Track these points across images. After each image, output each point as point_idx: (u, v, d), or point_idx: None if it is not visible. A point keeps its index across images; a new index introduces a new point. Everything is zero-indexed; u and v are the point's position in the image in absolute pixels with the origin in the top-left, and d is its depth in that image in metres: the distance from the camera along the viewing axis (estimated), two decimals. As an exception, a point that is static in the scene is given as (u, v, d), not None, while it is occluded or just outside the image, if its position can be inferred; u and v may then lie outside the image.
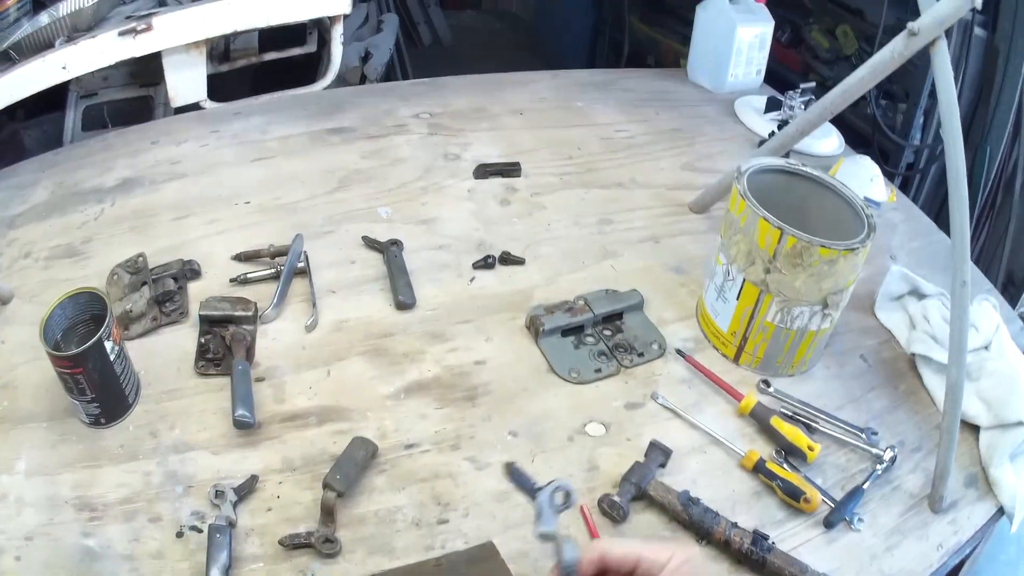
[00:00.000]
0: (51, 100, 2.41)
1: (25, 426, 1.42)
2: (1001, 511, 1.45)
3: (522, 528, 1.31)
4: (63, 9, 2.14)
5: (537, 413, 1.52)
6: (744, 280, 1.51)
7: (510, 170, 2.11)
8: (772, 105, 2.43)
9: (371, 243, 1.84)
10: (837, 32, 3.17)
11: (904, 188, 2.84)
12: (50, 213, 1.90)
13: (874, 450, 1.47)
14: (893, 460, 1.45)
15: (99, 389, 1.38)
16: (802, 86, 2.32)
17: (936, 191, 3.01)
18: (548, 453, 1.45)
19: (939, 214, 2.13)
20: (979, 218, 2.86)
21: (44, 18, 2.16)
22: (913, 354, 1.66)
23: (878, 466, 1.45)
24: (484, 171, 2.11)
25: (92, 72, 2.24)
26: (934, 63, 1.42)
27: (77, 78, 2.26)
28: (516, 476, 1.21)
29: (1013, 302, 2.13)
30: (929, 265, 1.88)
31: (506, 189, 2.07)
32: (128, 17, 2.21)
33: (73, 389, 1.37)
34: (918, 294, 1.76)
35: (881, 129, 2.93)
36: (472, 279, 1.80)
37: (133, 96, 2.60)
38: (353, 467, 1.33)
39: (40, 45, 2.17)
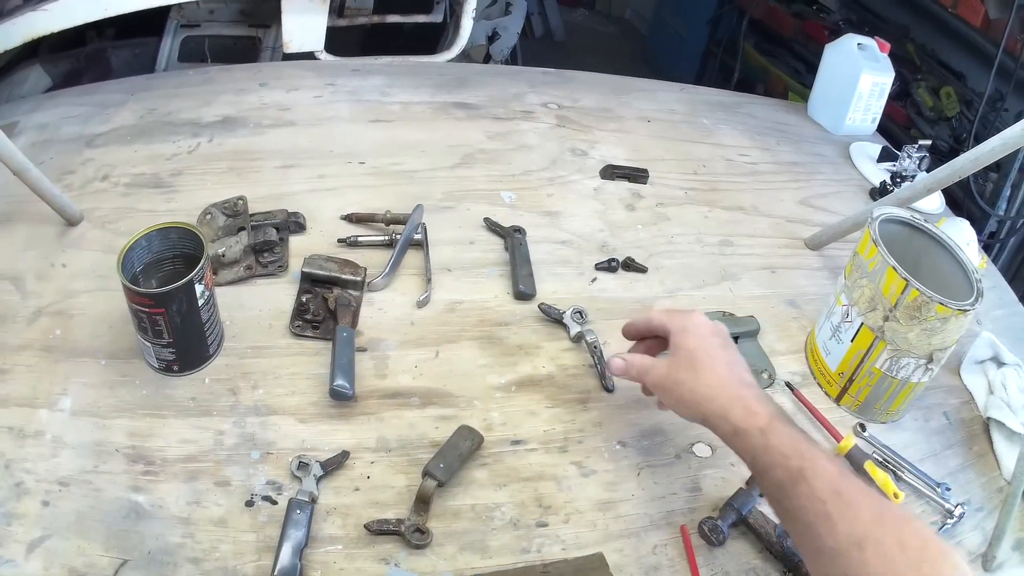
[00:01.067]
0: (146, 24, 2.34)
1: (79, 360, 1.35)
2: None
3: (622, 540, 1.26)
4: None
5: (647, 427, 1.44)
6: (862, 324, 1.50)
7: (638, 175, 2.02)
8: (886, 155, 2.39)
9: (493, 226, 1.75)
10: (941, 92, 3.20)
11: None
12: (136, 138, 1.83)
13: (947, 505, 1.45)
14: (961, 516, 1.44)
15: (179, 334, 1.28)
16: (920, 143, 2.25)
17: (1011, 262, 3.08)
18: (654, 468, 1.38)
19: (1011, 282, 2.11)
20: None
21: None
22: (988, 418, 1.63)
23: (948, 521, 1.44)
24: (612, 172, 2.01)
25: (199, 2, 2.13)
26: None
27: (179, 5, 2.18)
28: (545, 309, 1.57)
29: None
30: (1009, 336, 1.82)
31: (632, 194, 1.98)
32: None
33: (148, 330, 1.26)
34: (998, 361, 1.74)
35: (972, 195, 2.95)
36: (594, 279, 1.71)
37: (239, 35, 2.54)
38: (457, 457, 1.27)
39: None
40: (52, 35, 2.05)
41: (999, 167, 2.93)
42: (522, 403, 1.43)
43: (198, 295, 1.26)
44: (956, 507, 1.44)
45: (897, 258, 1.44)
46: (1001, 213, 2.96)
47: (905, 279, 1.40)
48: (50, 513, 1.13)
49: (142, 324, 1.26)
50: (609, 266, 1.73)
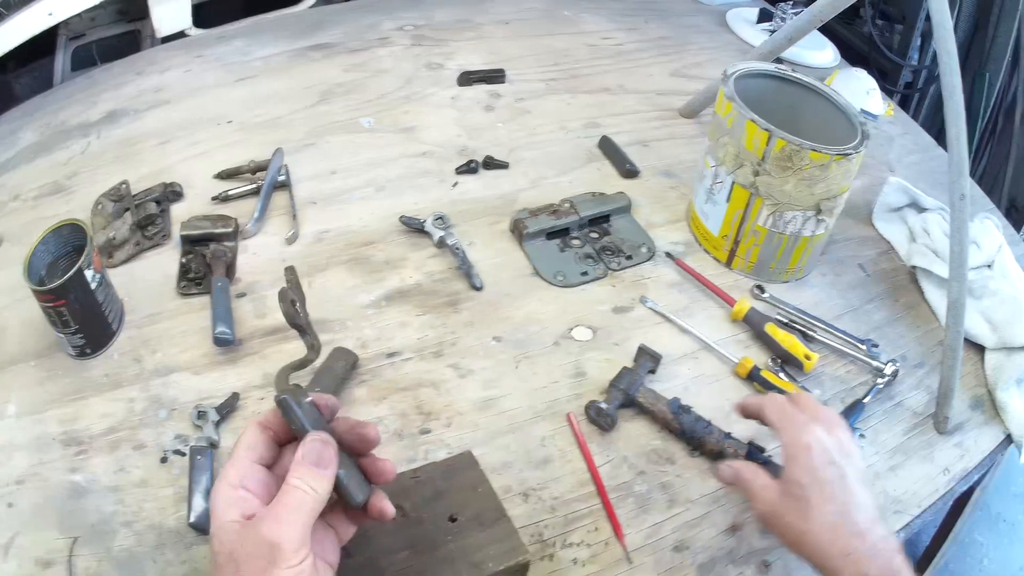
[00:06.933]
0: (41, 47, 2.39)
1: (15, 367, 1.41)
2: (1009, 438, 1.40)
3: (506, 437, 1.30)
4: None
5: (521, 318, 1.50)
6: (733, 183, 1.50)
7: (494, 77, 2.09)
8: (764, 16, 2.41)
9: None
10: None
11: (903, 107, 2.82)
12: (37, 154, 1.89)
13: (875, 363, 1.43)
14: (895, 374, 1.41)
15: (82, 319, 1.37)
16: (794, -1, 2.30)
17: (935, 113, 3.02)
18: (533, 358, 1.42)
19: (940, 136, 2.06)
20: (980, 144, 2.91)
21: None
22: (914, 267, 1.63)
23: (879, 380, 1.40)
24: (468, 78, 2.08)
25: (79, 14, 2.20)
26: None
27: (65, 21, 2.23)
28: (407, 221, 1.62)
29: (1017, 228, 2.05)
30: (928, 180, 1.85)
31: (490, 96, 2.05)
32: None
33: (57, 322, 1.36)
34: (918, 207, 1.72)
35: (878, 48, 2.96)
36: (455, 184, 1.78)
37: (121, 32, 2.56)
38: (332, 378, 1.31)
39: (23, -2, 2.15)
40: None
41: (904, 18, 2.95)
42: (393, 316, 1.48)
43: (89, 280, 1.36)
44: (887, 364, 1.40)
45: (770, 112, 1.42)
46: (914, 63, 2.97)
47: (767, 130, 1.39)
48: (16, 513, 1.18)
49: (52, 319, 1.36)
50: (469, 168, 1.79)
